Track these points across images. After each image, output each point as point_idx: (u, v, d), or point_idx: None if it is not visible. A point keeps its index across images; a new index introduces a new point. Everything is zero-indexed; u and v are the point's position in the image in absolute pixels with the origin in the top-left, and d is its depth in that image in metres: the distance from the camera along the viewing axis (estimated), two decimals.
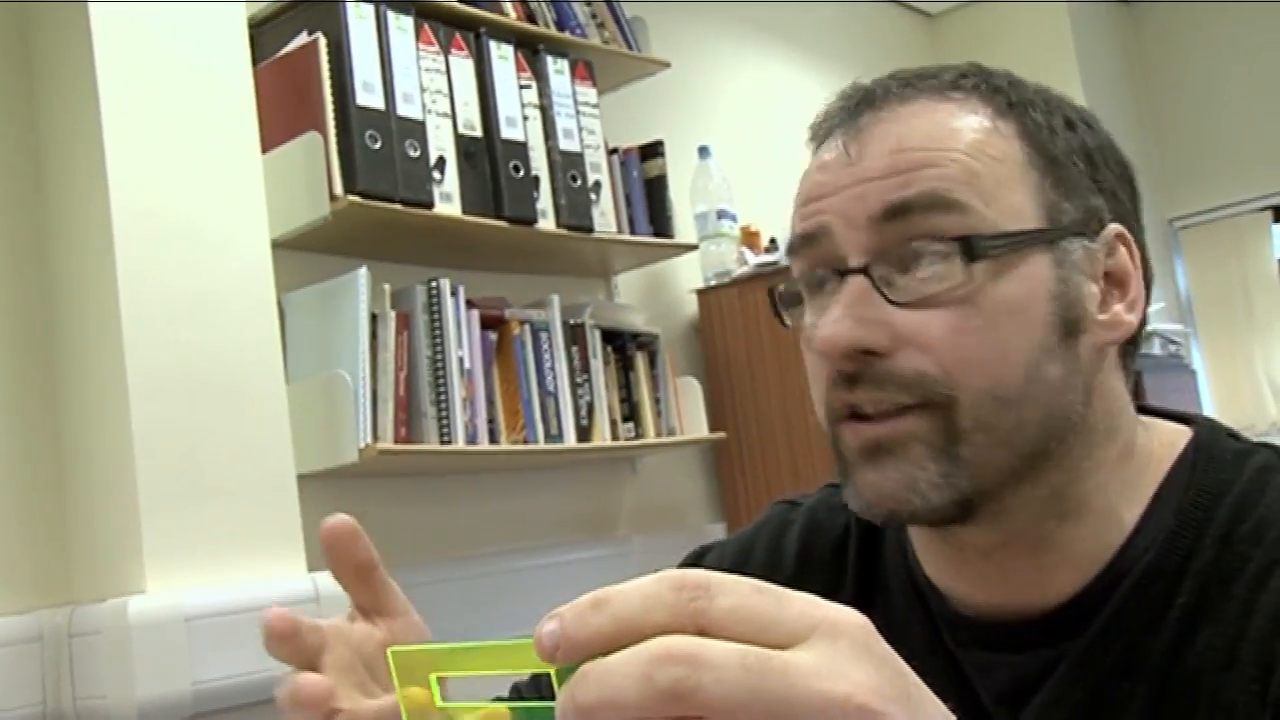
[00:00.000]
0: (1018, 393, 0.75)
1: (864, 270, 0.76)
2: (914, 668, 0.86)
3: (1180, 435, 0.83)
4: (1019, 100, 0.80)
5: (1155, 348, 4.09)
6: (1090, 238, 0.79)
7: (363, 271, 2.19)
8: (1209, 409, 4.77)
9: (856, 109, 0.82)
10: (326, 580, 1.94)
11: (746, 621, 0.43)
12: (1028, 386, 0.75)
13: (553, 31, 2.70)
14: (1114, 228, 0.81)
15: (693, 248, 3.07)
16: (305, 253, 2.33)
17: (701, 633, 0.43)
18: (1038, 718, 0.79)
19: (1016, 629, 0.81)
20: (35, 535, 1.90)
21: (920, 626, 0.87)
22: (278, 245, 2.14)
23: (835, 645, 0.43)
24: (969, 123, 0.78)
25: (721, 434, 2.98)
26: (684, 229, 3.06)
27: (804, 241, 0.81)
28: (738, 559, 1.02)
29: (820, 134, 0.85)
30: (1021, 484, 0.77)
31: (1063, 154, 0.79)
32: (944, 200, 0.75)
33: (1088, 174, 0.80)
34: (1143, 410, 0.87)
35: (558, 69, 2.66)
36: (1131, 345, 0.83)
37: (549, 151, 2.59)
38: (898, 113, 0.79)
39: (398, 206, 2.24)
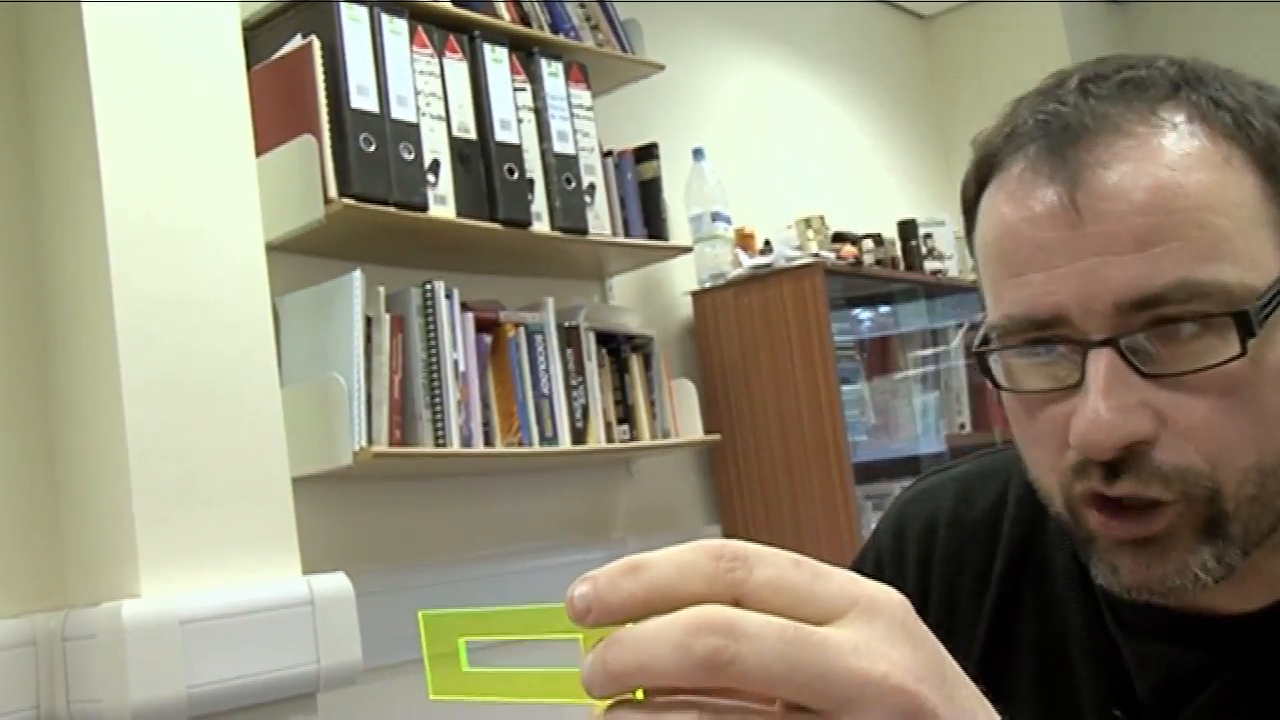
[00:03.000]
0: (1279, 460, 0.70)
1: (1114, 344, 0.68)
2: (1060, 646, 0.84)
3: None
4: (1238, 109, 0.71)
5: None
6: None
7: (357, 274, 2.19)
8: None
9: (1061, 140, 0.71)
10: (321, 582, 1.94)
11: (784, 594, 0.42)
12: None
13: (547, 34, 2.70)
14: None
15: (687, 250, 3.07)
16: (299, 255, 2.33)
17: (737, 603, 0.42)
18: (1203, 715, 0.76)
19: (1191, 626, 0.77)
20: (29, 539, 1.90)
21: (1080, 607, 0.85)
22: (272, 248, 2.14)
23: (873, 623, 0.43)
24: (1201, 162, 0.69)
25: (716, 436, 2.98)
26: (678, 231, 3.07)
27: (1031, 324, 0.72)
28: (894, 528, 0.99)
29: (1001, 156, 0.75)
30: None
31: None
32: (1202, 288, 0.66)
33: None
34: None
35: (552, 71, 2.66)
36: None
37: (543, 154, 2.59)
38: (1116, 152, 0.69)
39: (392, 209, 2.24)
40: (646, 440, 2.79)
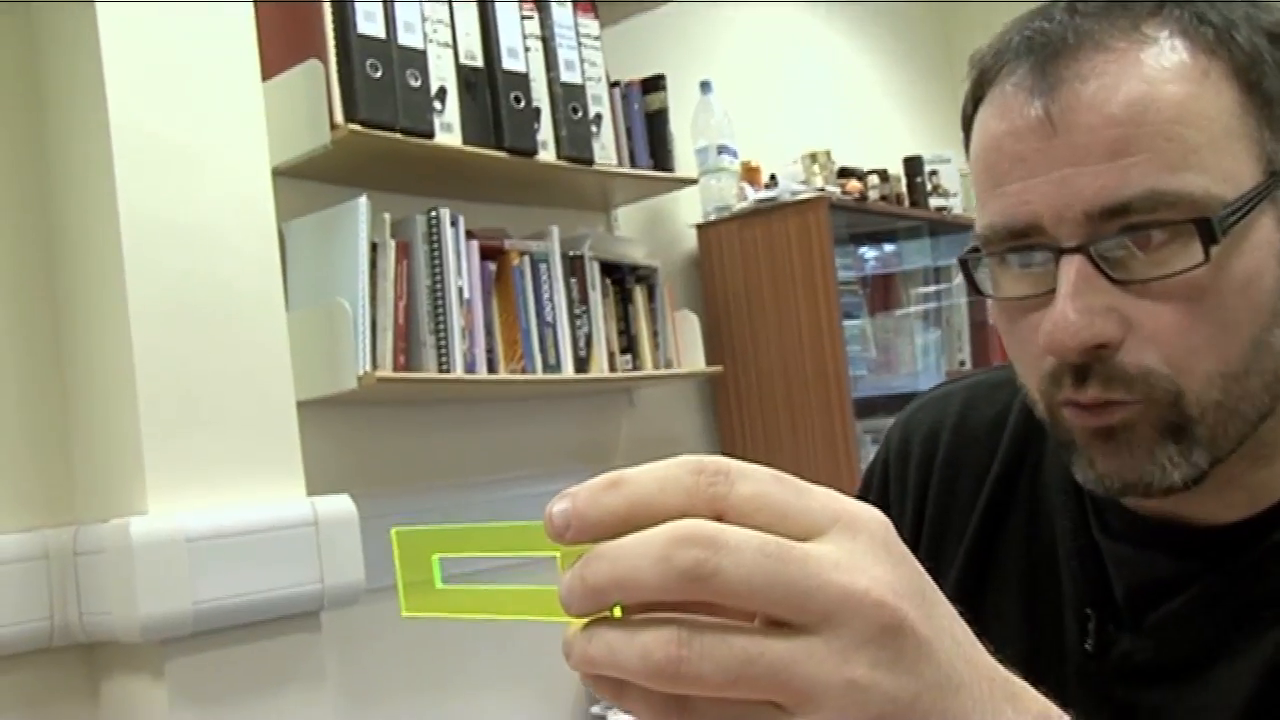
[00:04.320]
0: (1245, 366, 0.71)
1: (1083, 250, 0.71)
2: (1048, 545, 0.88)
3: None
4: (1222, 24, 0.72)
5: None
6: None
7: (363, 200, 2.20)
8: None
9: (1045, 56, 0.73)
10: (325, 504, 1.97)
11: (766, 510, 0.43)
12: (1254, 358, 0.72)
13: None
14: None
15: (693, 182, 3.07)
16: (305, 181, 2.34)
17: (718, 518, 0.42)
18: (1169, 622, 0.79)
19: (1170, 533, 0.80)
20: (41, 457, 1.93)
21: (1069, 511, 0.87)
22: (278, 173, 2.15)
23: (855, 539, 0.43)
24: (1177, 75, 0.70)
25: (718, 368, 3.01)
26: (684, 163, 3.07)
27: (1009, 233, 0.75)
28: (903, 435, 1.02)
29: (992, 74, 0.77)
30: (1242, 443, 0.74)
31: (1274, 87, 0.72)
32: (1169, 197, 0.68)
33: None
34: None
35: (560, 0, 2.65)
36: None
37: (550, 83, 2.59)
38: (1095, 65, 0.71)
39: (398, 136, 2.25)
40: (649, 370, 2.81)
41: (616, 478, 0.43)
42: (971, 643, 0.47)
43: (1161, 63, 0.70)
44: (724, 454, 2.78)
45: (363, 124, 2.19)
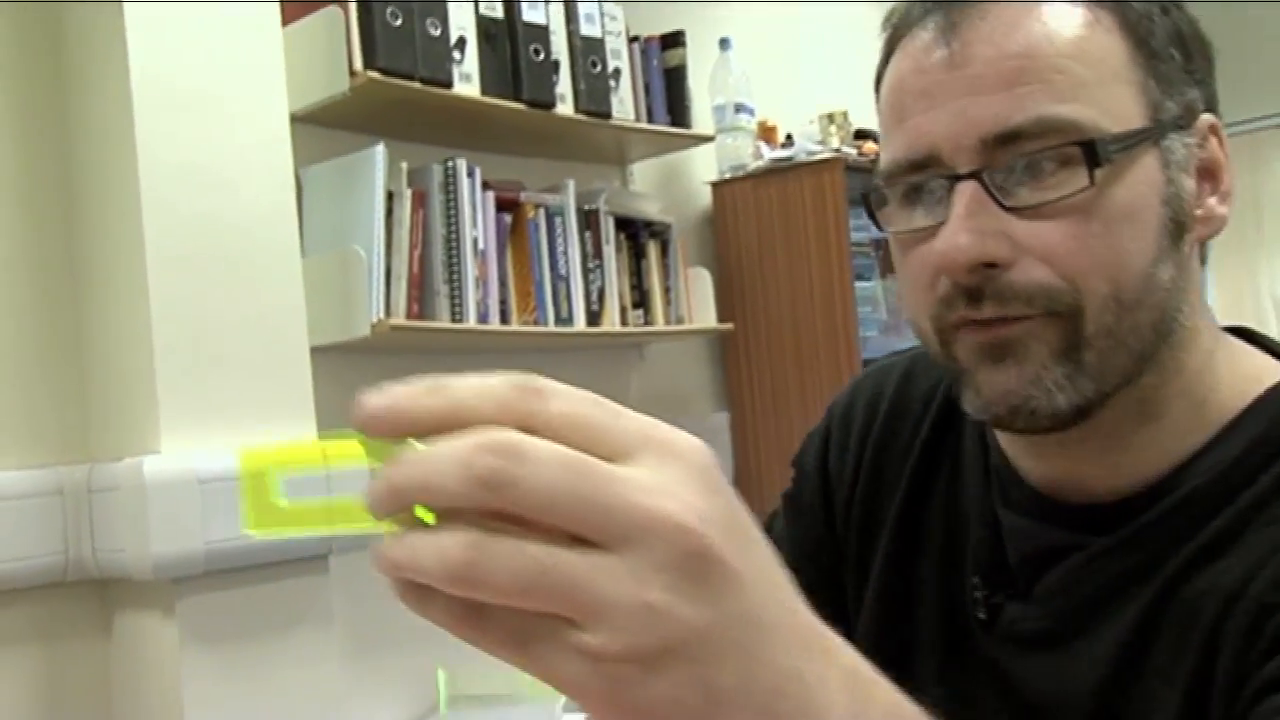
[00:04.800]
0: (1136, 296, 0.74)
1: (977, 176, 0.74)
2: (964, 514, 0.90)
3: (1272, 372, 0.81)
4: None
5: None
6: (1187, 131, 0.78)
7: (380, 148, 2.21)
8: None
9: (953, 6, 0.77)
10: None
11: (578, 428, 0.42)
12: (1145, 290, 0.74)
13: None
14: (1206, 118, 0.79)
15: (709, 139, 3.08)
16: (323, 128, 2.34)
17: (531, 432, 0.42)
18: (1051, 590, 0.81)
19: (1060, 507, 0.82)
20: (57, 395, 1.95)
21: (978, 477, 0.90)
22: (296, 119, 2.16)
23: (667, 465, 0.42)
24: (1070, 19, 0.75)
25: (729, 325, 3.02)
26: (701, 120, 3.07)
27: (910, 166, 0.78)
28: (846, 406, 1.04)
29: (902, 23, 0.81)
30: (1125, 384, 0.77)
31: (1161, 46, 0.77)
32: (1057, 124, 0.72)
33: (1182, 65, 0.78)
34: (1249, 339, 0.85)
35: None
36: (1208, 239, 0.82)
37: (570, 36, 2.59)
38: (995, 9, 0.75)
39: (417, 84, 2.25)
40: (660, 326, 2.83)
41: (439, 382, 0.43)
42: (788, 588, 0.46)
43: (1058, 8, 0.75)
44: (733, 412, 2.79)
45: (382, 72, 2.19)
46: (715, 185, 3.27)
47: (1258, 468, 0.75)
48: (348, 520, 0.44)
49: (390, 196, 2.24)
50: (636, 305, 2.81)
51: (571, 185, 2.60)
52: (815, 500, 1.02)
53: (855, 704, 0.46)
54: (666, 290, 2.87)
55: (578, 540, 0.41)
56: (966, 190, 0.74)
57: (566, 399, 0.43)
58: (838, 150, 3.12)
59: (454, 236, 2.30)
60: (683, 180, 3.27)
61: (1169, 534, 0.76)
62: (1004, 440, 0.87)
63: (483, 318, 2.34)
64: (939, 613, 0.90)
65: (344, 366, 2.31)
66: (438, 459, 0.41)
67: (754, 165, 3.19)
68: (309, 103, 2.25)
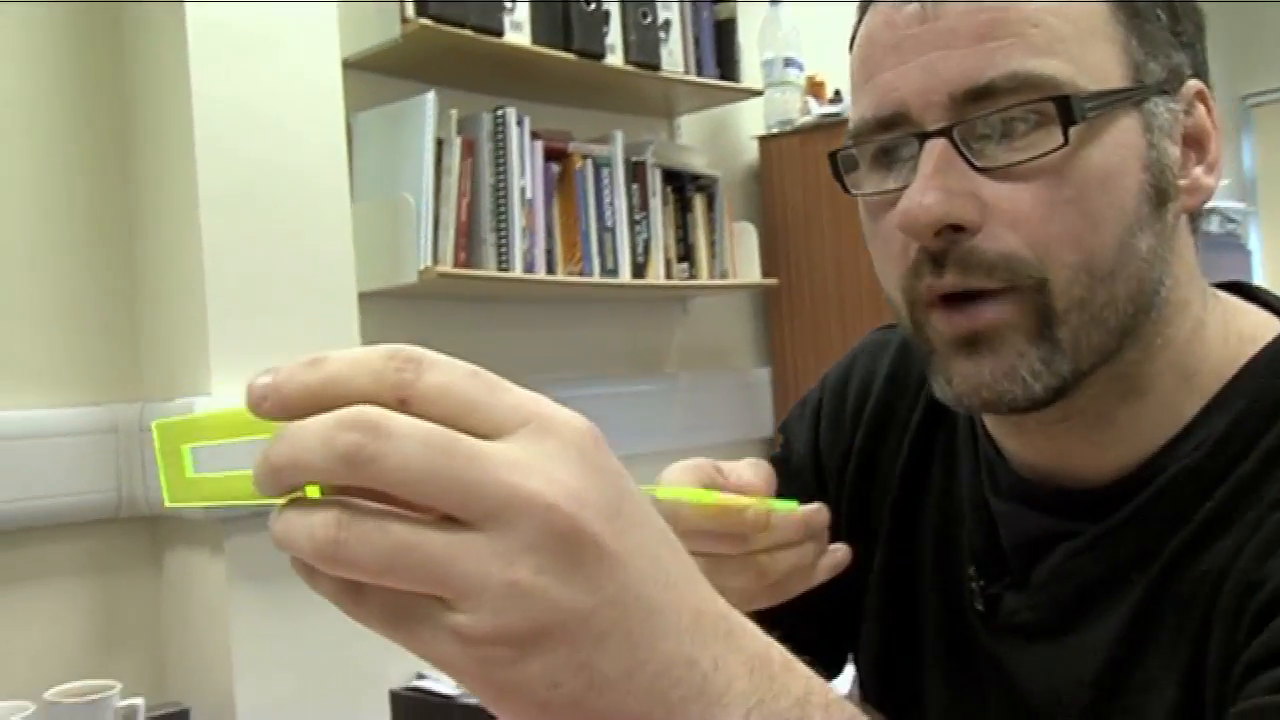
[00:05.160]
0: (1110, 267, 0.71)
1: (947, 134, 0.71)
2: (959, 502, 0.89)
3: (1268, 328, 0.78)
4: None
5: (1212, 224, 4.05)
6: (1173, 96, 0.74)
7: (430, 96, 2.22)
8: None
9: None
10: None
11: (450, 402, 0.41)
12: (1120, 260, 0.71)
13: None
14: (1193, 84, 0.76)
15: (758, 94, 3.06)
16: (375, 74, 2.35)
17: (403, 405, 0.41)
18: (1046, 579, 0.79)
19: (1052, 492, 0.80)
20: (111, 335, 1.99)
21: (969, 460, 0.88)
22: (347, 65, 2.17)
23: (541, 442, 0.42)
24: None
25: (774, 280, 3.02)
26: (750, 75, 3.05)
27: (879, 124, 0.74)
28: (839, 381, 1.02)
29: None
30: (1104, 362, 0.74)
31: (1146, 5, 0.73)
32: (1031, 79, 0.69)
33: (1169, 26, 0.74)
34: (1245, 294, 0.83)
35: None
36: (1199, 210, 0.78)
37: None
38: None
39: (468, 32, 2.25)
40: (704, 279, 2.83)
41: (318, 357, 0.42)
42: (682, 570, 0.45)
43: None
44: (775, 367, 2.79)
45: (433, 19, 2.20)
46: (762, 140, 3.25)
47: (1248, 441, 0.72)
48: (248, 493, 0.44)
49: (439, 144, 2.25)
50: (681, 259, 2.81)
51: (620, 136, 2.60)
52: (809, 478, 1.01)
53: (759, 691, 0.45)
54: (712, 244, 2.87)
55: (450, 520, 0.40)
56: (935, 148, 0.71)
57: (442, 370, 0.42)
58: None
59: (502, 185, 2.30)
60: (730, 134, 3.26)
61: (1161, 518, 0.74)
62: (989, 422, 0.84)
63: (529, 267, 2.35)
64: (940, 608, 0.88)
65: (391, 312, 2.33)
66: (305, 435, 0.40)
67: (802, 120, 3.17)
68: (361, 49, 2.26)
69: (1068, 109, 0.69)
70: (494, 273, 2.29)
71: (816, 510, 0.80)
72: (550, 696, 0.41)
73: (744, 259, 2.95)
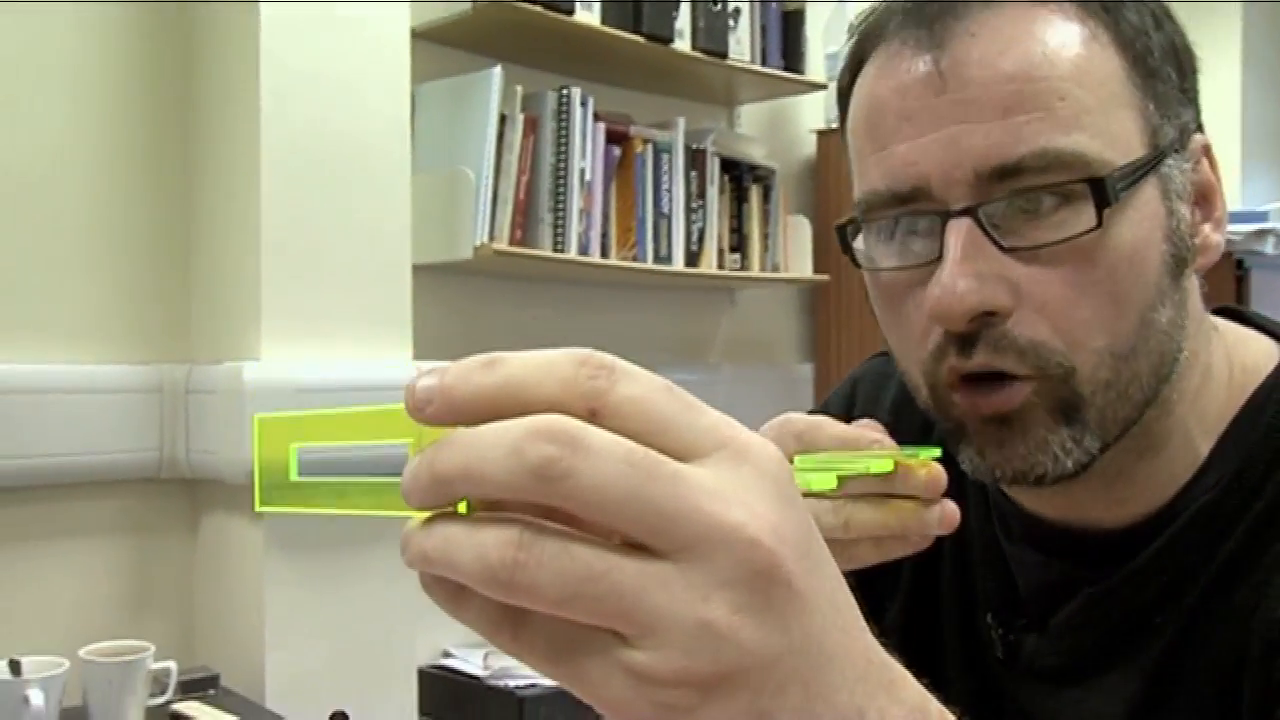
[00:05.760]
0: (1133, 346, 0.69)
1: (972, 213, 0.67)
2: (970, 548, 0.84)
3: (1269, 357, 0.77)
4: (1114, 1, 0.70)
5: (1269, 246, 3.98)
6: (1183, 155, 0.72)
7: (497, 71, 2.19)
8: None
9: (932, 14, 0.70)
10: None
11: (646, 417, 0.37)
12: (1142, 337, 0.69)
13: None
14: (1199, 138, 0.74)
15: (820, 87, 3.02)
16: (442, 46, 2.33)
17: (594, 416, 0.37)
18: (1068, 624, 0.77)
19: (1066, 537, 0.78)
20: (162, 293, 1.97)
21: (979, 505, 0.85)
22: (415, 35, 2.14)
23: (739, 469, 0.38)
24: (1067, 38, 0.68)
25: (825, 276, 2.98)
26: (814, 67, 3.01)
27: (894, 198, 0.70)
28: (841, 410, 0.98)
29: (875, 38, 0.73)
30: (1127, 430, 0.72)
31: (1158, 64, 0.70)
32: (1062, 157, 0.66)
33: (1178, 84, 0.72)
34: (1239, 318, 0.81)
35: None
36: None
37: None
38: (985, 21, 0.68)
39: (538, 8, 2.22)
40: (755, 271, 2.80)
41: (494, 358, 0.37)
42: (854, 615, 0.42)
43: (1052, 23, 0.68)
44: (818, 364, 2.77)
45: None
46: (821, 134, 3.21)
47: (1262, 476, 0.71)
48: (373, 502, 0.40)
49: (503, 120, 2.22)
50: (734, 249, 2.77)
51: (682, 123, 2.57)
52: None
53: None
54: (765, 236, 2.83)
55: (635, 547, 0.36)
56: (961, 229, 0.67)
57: (638, 382, 0.37)
58: None
59: (562, 166, 2.28)
60: (789, 127, 3.22)
61: (1182, 560, 0.72)
62: None
63: (584, 249, 2.33)
64: (961, 657, 0.86)
65: (443, 286, 2.31)
66: (487, 444, 0.35)
67: None
68: (429, 19, 2.23)
69: (1101, 191, 0.66)
70: (549, 253, 2.26)
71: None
72: None
73: (796, 253, 2.91)
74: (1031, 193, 0.67)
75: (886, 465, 0.65)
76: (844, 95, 0.76)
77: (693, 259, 2.60)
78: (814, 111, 3.21)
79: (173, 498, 1.96)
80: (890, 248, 0.73)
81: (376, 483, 0.40)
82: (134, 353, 1.92)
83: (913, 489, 0.67)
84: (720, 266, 2.70)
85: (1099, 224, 0.66)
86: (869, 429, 0.72)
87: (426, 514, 0.37)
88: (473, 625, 0.38)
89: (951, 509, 0.67)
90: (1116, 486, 0.75)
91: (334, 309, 1.93)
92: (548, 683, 2.22)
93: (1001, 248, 0.67)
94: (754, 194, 2.80)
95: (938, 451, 0.69)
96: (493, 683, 2.21)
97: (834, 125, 3.16)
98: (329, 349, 1.92)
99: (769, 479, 0.38)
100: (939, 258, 0.68)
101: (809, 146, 3.25)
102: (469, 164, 2.15)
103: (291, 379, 1.83)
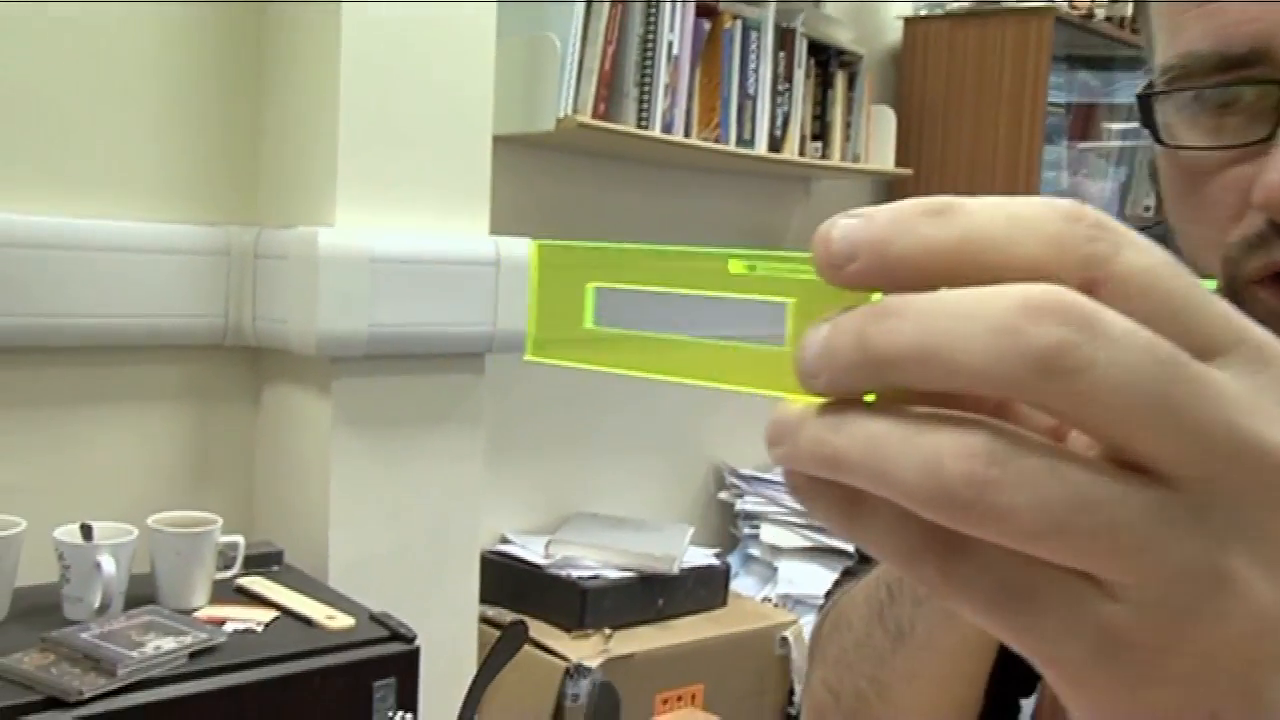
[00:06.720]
0: None
1: None
2: None
3: None
4: None
5: None
6: None
7: None
8: None
9: None
10: (507, 245, 1.90)
11: (1158, 298, 0.26)
12: None
13: None
14: None
15: None
16: None
17: (1091, 290, 0.26)
18: None
19: None
20: (231, 154, 1.87)
21: None
22: None
23: (1261, 374, 0.27)
24: None
25: (907, 170, 2.85)
26: None
27: (1221, 62, 0.58)
28: None
29: None
30: None
31: None
32: None
33: None
34: None
35: None
36: None
37: None
38: None
39: None
40: (836, 161, 2.68)
41: (945, 202, 0.27)
42: None
43: None
44: None
45: None
46: (909, 21, 3.07)
47: None
48: (702, 369, 0.30)
49: None
50: (815, 137, 2.66)
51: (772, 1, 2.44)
52: None
53: None
54: (847, 125, 2.72)
55: (1127, 464, 0.26)
56: None
57: (1145, 252, 0.26)
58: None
59: (651, 38, 2.16)
60: (876, 12, 3.08)
61: None
62: None
63: (667, 127, 2.22)
64: None
65: (522, 158, 2.21)
66: (961, 315, 0.25)
67: (954, 5, 2.98)
68: None
69: None
70: (632, 128, 2.15)
71: None
72: None
73: (878, 145, 2.80)
74: None
75: None
76: None
77: (776, 144, 2.49)
78: None
79: (236, 365, 1.89)
80: (1195, 121, 0.61)
81: (726, 346, 0.29)
82: (202, 213, 1.83)
83: None
84: (801, 154, 2.58)
85: None
86: None
87: (807, 397, 0.27)
88: (873, 547, 0.28)
89: None
90: None
91: (411, 176, 1.84)
92: (612, 574, 2.15)
93: None
94: (839, 80, 2.68)
95: None
96: (554, 571, 2.15)
97: (923, 12, 3.02)
98: (404, 218, 1.83)
99: None
100: (1270, 135, 0.56)
101: (895, 33, 3.10)
102: (555, 30, 2.04)
103: (366, 247, 1.74)
